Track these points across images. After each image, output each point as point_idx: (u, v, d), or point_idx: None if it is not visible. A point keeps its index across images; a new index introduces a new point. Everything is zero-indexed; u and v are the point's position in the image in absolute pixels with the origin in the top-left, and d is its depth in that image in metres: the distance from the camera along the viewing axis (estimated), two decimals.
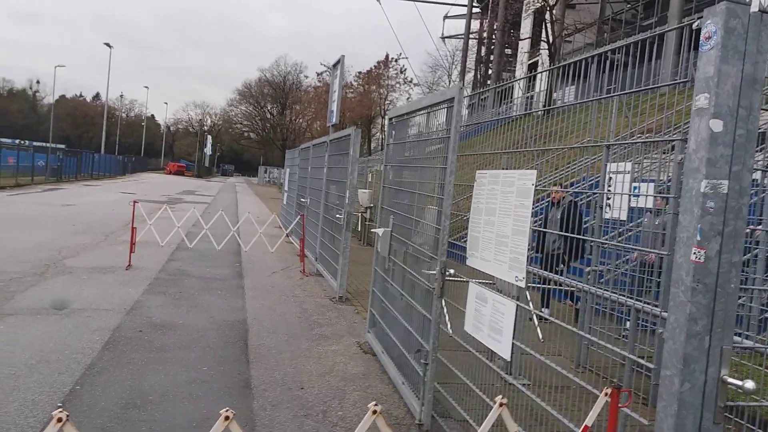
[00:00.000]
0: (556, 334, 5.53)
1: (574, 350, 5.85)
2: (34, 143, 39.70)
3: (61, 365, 4.73)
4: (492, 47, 43.26)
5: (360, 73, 56.26)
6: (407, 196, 5.16)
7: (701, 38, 2.13)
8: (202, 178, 69.37)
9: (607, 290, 4.93)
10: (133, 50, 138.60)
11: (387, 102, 57.92)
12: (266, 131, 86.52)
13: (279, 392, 4.56)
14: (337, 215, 8.75)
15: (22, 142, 41.88)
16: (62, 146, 46.99)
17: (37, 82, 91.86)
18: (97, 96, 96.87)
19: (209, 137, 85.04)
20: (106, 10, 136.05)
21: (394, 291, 5.17)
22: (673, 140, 6.10)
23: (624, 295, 4.18)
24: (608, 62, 7.36)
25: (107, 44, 55.94)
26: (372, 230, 6.61)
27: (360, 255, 11.92)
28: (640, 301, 4.11)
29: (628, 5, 31.44)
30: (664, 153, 8.15)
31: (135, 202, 10.45)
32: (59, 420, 1.80)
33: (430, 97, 5.03)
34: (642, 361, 3.35)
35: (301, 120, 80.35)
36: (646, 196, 5.86)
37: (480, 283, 4.00)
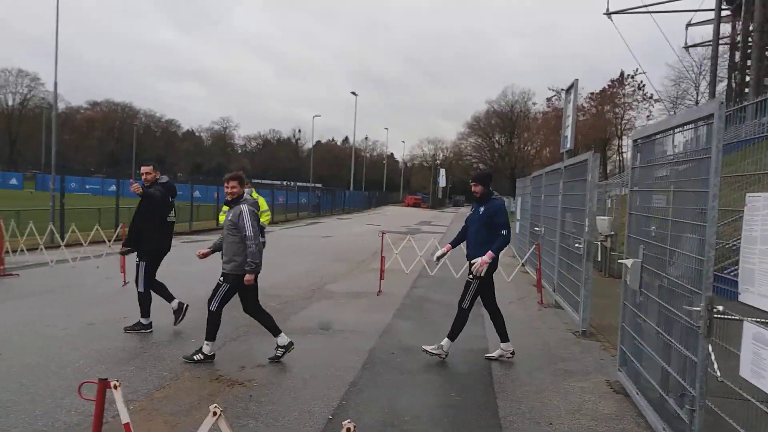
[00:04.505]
0: None
1: None
2: (298, 184, 46.27)
3: (329, 381, 5.36)
4: (748, 51, 37.69)
5: (592, 93, 53.82)
6: (659, 224, 4.78)
7: None
8: (435, 209, 72.54)
9: None
10: (378, 91, 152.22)
11: (623, 122, 54.16)
12: (494, 161, 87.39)
13: (527, 425, 4.52)
14: (576, 244, 8.42)
15: (288, 183, 48.98)
16: (319, 185, 53.70)
17: (299, 130, 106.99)
18: (345, 140, 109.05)
19: (442, 170, 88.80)
20: (355, 59, 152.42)
21: (648, 328, 4.79)
22: None
23: None
24: None
25: (353, 93, 62.66)
26: (619, 261, 6.20)
27: (602, 287, 11.24)
28: None
29: None
30: None
31: (383, 233, 11.42)
32: (348, 430, 2.09)
33: (684, 115, 4.63)
34: None
35: (529, 147, 79.54)
36: None
37: (758, 322, 3.50)
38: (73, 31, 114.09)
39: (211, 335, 5.81)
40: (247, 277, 5.73)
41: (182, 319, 7.02)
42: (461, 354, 6.49)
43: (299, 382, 5.30)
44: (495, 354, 6.35)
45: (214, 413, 2.34)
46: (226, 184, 5.93)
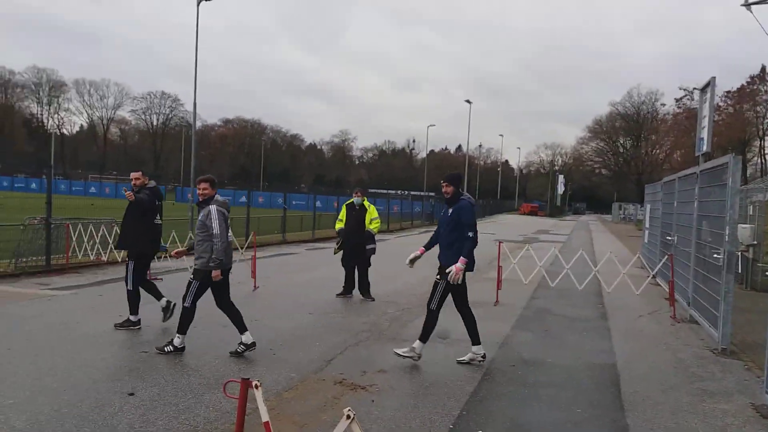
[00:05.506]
0: None
1: None
2: (412, 193, 46.89)
3: (449, 390, 5.36)
4: None
5: (728, 91, 49.31)
6: None
7: None
8: (554, 217, 70.04)
9: None
10: (493, 99, 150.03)
11: (766, 121, 49.19)
12: (619, 166, 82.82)
13: None
14: (714, 255, 7.77)
15: (403, 192, 49.79)
16: (432, 194, 53.86)
17: (413, 140, 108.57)
18: (458, 148, 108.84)
19: (560, 176, 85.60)
20: (470, 67, 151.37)
21: None
22: None
23: None
24: None
25: (467, 101, 62.03)
26: (766, 273, 5.65)
27: (743, 300, 10.27)
28: None
29: None
30: None
31: (500, 242, 11.24)
32: None
33: None
34: None
35: (657, 151, 74.46)
36: None
37: None
38: (208, 55, 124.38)
39: (182, 329, 6.17)
40: (214, 272, 6.05)
41: (170, 316, 7.31)
42: (587, 368, 6.23)
43: (420, 390, 5.35)
44: (466, 358, 6.22)
45: (348, 416, 2.45)
46: (198, 186, 6.30)
